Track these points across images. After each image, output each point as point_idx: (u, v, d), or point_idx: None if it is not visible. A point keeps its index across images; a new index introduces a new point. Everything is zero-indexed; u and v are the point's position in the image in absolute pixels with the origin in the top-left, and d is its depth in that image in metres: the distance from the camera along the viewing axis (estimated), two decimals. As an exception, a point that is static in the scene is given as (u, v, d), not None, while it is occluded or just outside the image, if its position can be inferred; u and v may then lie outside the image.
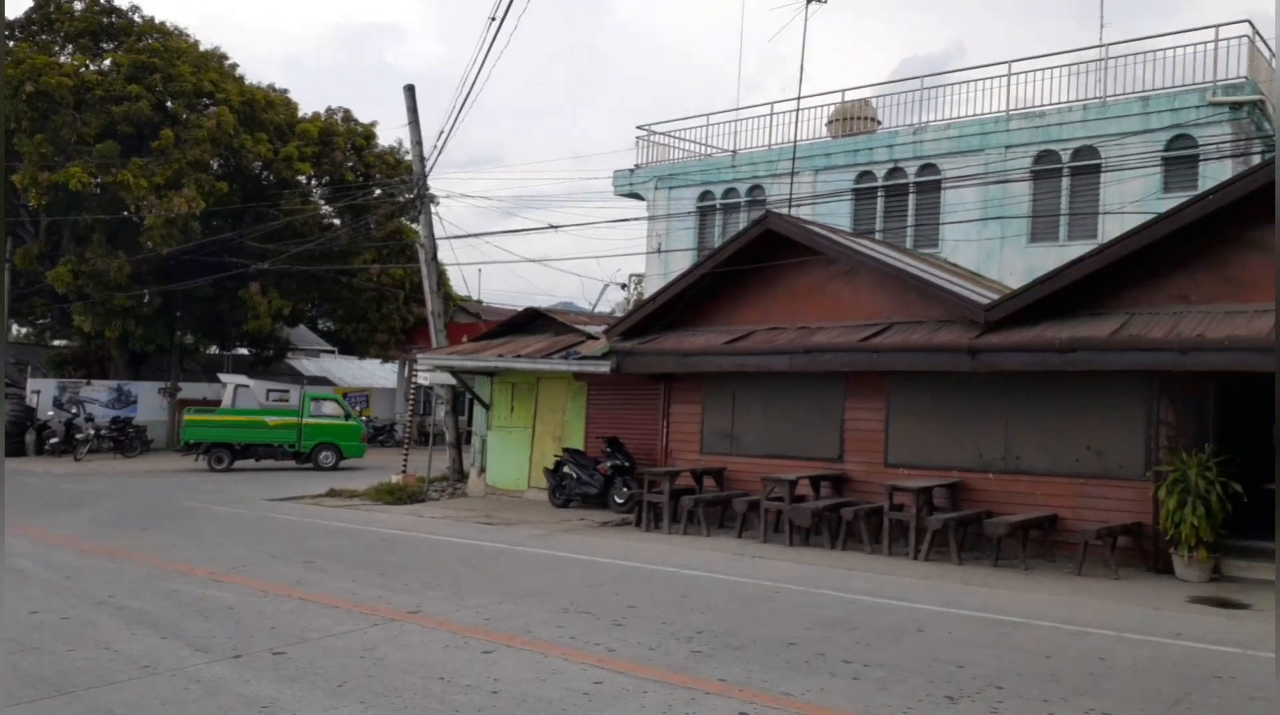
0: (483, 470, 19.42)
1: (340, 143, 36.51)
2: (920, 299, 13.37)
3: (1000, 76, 19.24)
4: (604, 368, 15.34)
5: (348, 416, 26.56)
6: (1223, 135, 16.39)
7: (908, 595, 9.19)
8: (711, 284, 15.21)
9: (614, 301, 40.52)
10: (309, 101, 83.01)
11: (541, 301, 26.24)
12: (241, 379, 27.07)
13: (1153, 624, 8.17)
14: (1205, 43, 16.99)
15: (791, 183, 19.50)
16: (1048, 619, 8.22)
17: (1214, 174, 16.34)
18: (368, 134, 37.79)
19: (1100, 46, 18.11)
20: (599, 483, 16.06)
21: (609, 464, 15.95)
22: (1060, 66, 18.60)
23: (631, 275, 25.59)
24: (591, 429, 17.51)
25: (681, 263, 22.38)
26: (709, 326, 15.34)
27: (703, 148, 23.79)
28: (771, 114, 22.40)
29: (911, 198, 19.94)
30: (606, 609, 8.30)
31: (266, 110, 34.78)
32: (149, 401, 34.22)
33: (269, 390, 29.99)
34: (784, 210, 17.07)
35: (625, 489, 15.75)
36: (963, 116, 19.60)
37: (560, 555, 11.54)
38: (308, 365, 44.09)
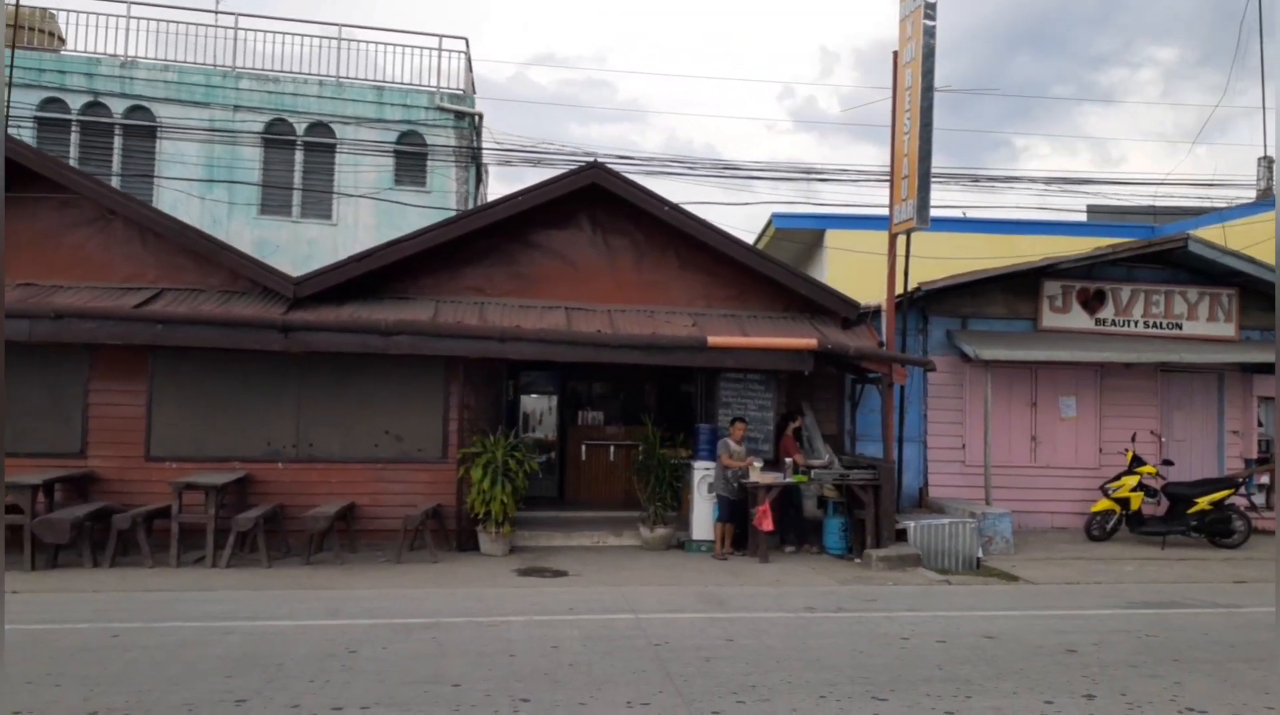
0: None
1: None
2: (194, 264, 11.47)
3: (226, 28, 17.67)
4: None
5: None
6: (446, 138, 17.83)
7: (263, 612, 7.69)
8: None
9: None
10: None
11: None
12: None
13: (502, 603, 8.34)
14: (429, 48, 18.25)
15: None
16: (445, 614, 7.75)
17: (442, 173, 17.75)
18: None
19: (337, 25, 17.97)
20: None
21: None
22: (293, 34, 17.93)
23: None
24: None
25: None
26: None
27: None
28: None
29: (119, 140, 16.92)
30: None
31: None
32: None
33: None
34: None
35: None
36: (180, 60, 17.39)
37: None
38: None
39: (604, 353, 11.02)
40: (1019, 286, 13.39)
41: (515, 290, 12.07)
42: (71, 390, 11.12)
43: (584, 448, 14.90)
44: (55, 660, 6.11)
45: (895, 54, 12.08)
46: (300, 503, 11.18)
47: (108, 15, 17.30)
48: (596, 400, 15.67)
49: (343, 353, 10.87)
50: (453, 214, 17.74)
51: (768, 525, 10.85)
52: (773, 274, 11.99)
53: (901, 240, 12.08)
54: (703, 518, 11.55)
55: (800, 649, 6.68)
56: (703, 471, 11.59)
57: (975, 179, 18.28)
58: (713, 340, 10.91)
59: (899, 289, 12.23)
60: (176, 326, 10.29)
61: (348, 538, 11.06)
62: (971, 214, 18.06)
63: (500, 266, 12.08)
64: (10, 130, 15.92)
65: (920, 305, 13.16)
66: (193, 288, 11.39)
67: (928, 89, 11.39)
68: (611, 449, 14.75)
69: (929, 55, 11.43)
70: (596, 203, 12.07)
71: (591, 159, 11.70)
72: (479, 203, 18.33)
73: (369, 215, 17.39)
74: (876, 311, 12.53)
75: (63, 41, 17.93)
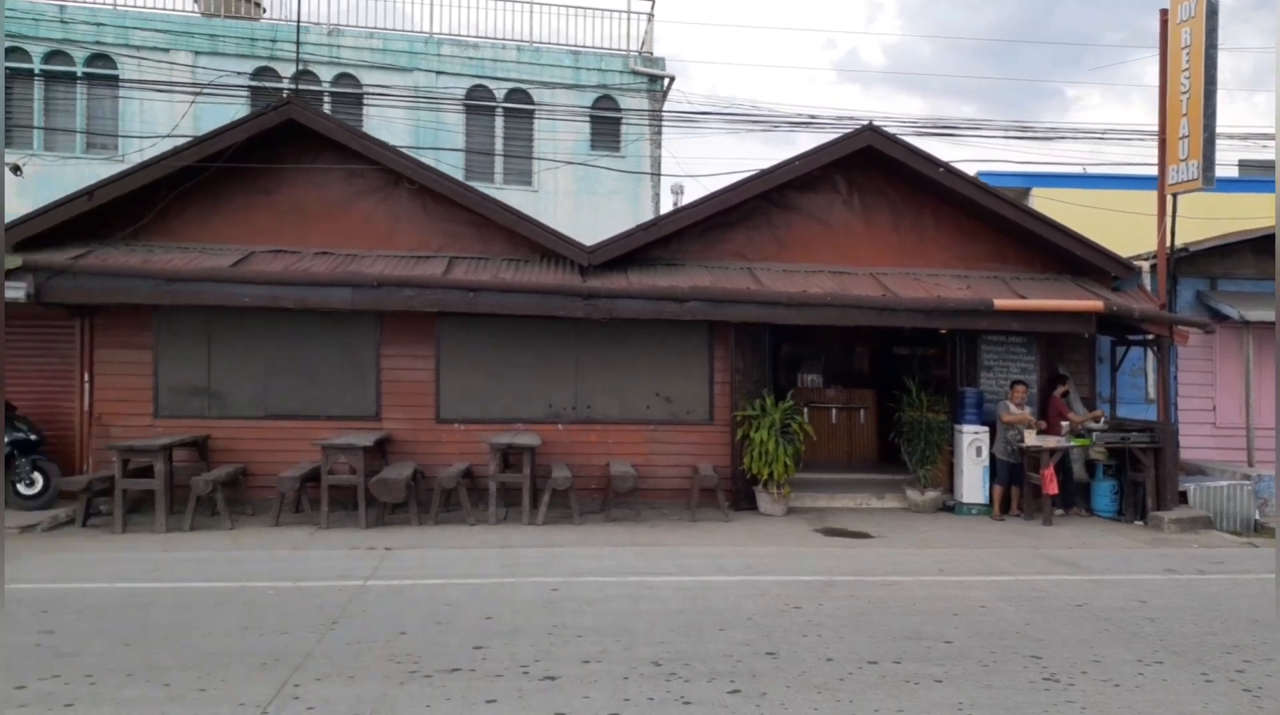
0: None
1: None
2: (474, 231, 11.79)
3: (421, -6, 17.85)
4: (12, 293, 9.95)
5: None
6: (640, 102, 17.91)
7: (641, 567, 7.99)
8: (162, 185, 11.06)
9: None
10: None
11: None
12: None
13: (857, 563, 8.58)
14: (618, 11, 18.28)
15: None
16: (822, 572, 7.99)
17: (635, 137, 17.86)
18: None
19: (528, -11, 18.04)
20: (-16, 468, 10.44)
21: (5, 439, 10.48)
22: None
23: None
24: (-75, 385, 11.25)
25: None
26: (164, 240, 11.20)
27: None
28: (115, -37, 17.06)
29: (328, 107, 17.26)
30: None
31: None
32: None
33: None
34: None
35: (38, 474, 10.56)
36: (383, 28, 17.66)
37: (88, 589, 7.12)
38: None
39: (885, 317, 11.16)
40: (1271, 247, 13.21)
41: (775, 254, 12.23)
42: (365, 357, 11.55)
43: (805, 411, 15.07)
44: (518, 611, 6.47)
45: (1163, 12, 11.88)
46: (579, 462, 11.54)
47: (308, -16, 17.58)
48: (809, 362, 15.82)
49: (638, 318, 11.11)
50: (644, 174, 17.97)
51: (1053, 488, 10.97)
52: (1046, 234, 11.95)
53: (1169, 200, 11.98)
54: (973, 481, 11.69)
55: (1244, 609, 6.83)
56: (972, 435, 11.71)
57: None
58: (999, 303, 10.97)
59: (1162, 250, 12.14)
60: (487, 293, 10.61)
61: (624, 496, 11.39)
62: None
63: (761, 231, 12.23)
64: (222, 101, 16.34)
65: (1170, 266, 13.06)
66: (477, 256, 11.72)
67: (1211, 47, 11.22)
68: (834, 411, 14.92)
69: (1212, 14, 11.23)
70: (853, 164, 12.13)
71: (868, 122, 11.72)
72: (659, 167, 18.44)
73: (568, 181, 17.59)
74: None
75: (260, 8, 18.28)
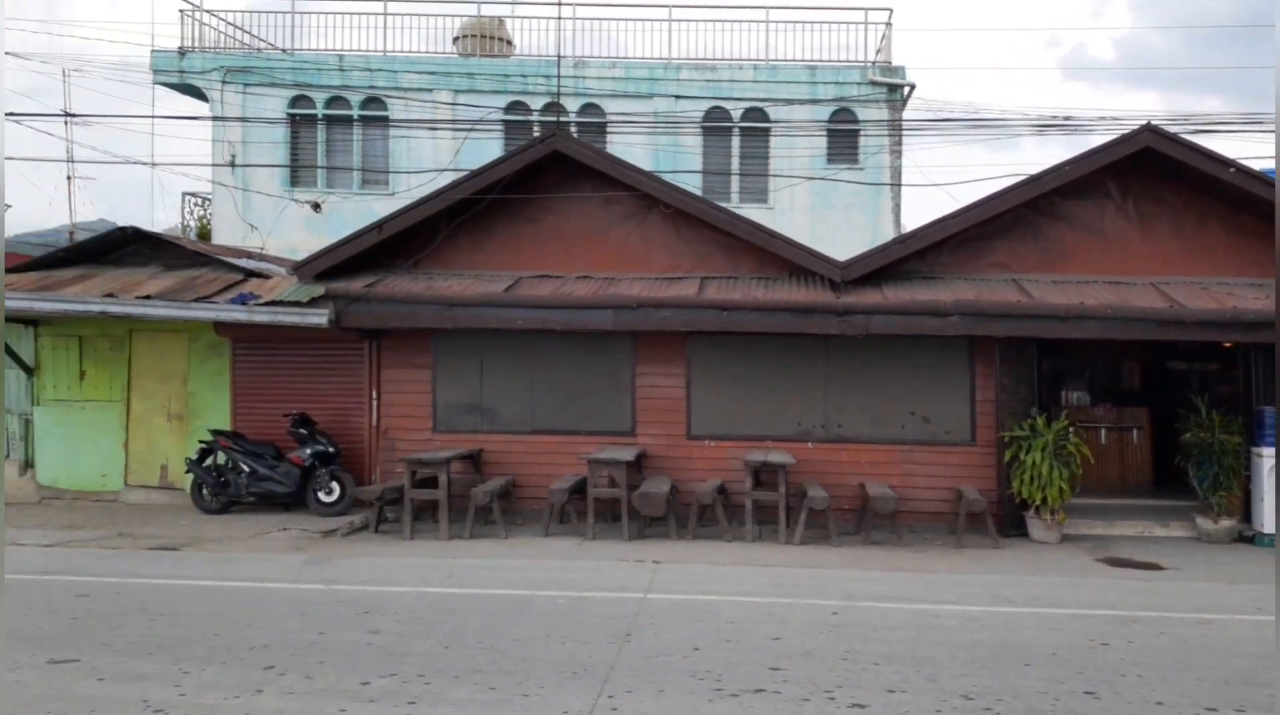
0: (29, 465, 12.99)
1: None
2: (723, 252, 11.91)
3: (660, 20, 18.32)
4: (315, 319, 11.01)
5: None
6: (879, 113, 17.56)
7: (932, 595, 7.73)
8: (442, 217, 11.87)
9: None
10: None
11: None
12: None
13: (1169, 599, 7.91)
14: (854, 23, 18.02)
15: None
16: (1131, 607, 7.46)
17: (874, 148, 17.50)
18: None
19: (762, 7, 18.14)
20: (293, 477, 11.60)
21: (308, 451, 11.60)
22: (723, 21, 18.31)
23: (186, 194, 19.42)
24: (242, 404, 12.67)
25: (266, 183, 17.66)
26: (440, 268, 12.00)
27: (256, 40, 18.91)
28: (386, 14, 18.61)
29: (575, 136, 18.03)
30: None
31: None
32: None
33: None
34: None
35: (336, 484, 11.61)
36: (628, 57, 18.27)
37: (390, 591, 7.70)
38: None
39: (1171, 330, 10.34)
40: None
41: (1042, 265, 11.58)
42: (621, 375, 11.91)
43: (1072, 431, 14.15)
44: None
45: None
46: (830, 481, 11.34)
47: (547, 19, 18.48)
48: (1073, 379, 14.86)
49: (893, 335, 10.86)
50: (884, 185, 17.57)
51: (1381, 520, 9.70)
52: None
53: None
54: (1275, 510, 10.55)
55: None
56: (1272, 459, 10.57)
57: None
58: (1312, 314, 9.87)
59: None
60: (741, 312, 10.71)
61: (883, 519, 11.08)
62: None
63: (1025, 241, 11.63)
64: (479, 136, 17.42)
65: None
66: (727, 275, 11.84)
67: None
68: (1103, 431, 13.91)
69: None
70: (1125, 168, 11.31)
71: (1146, 123, 10.92)
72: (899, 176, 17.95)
73: (804, 196, 17.49)
74: None
75: (511, 45, 19.38)
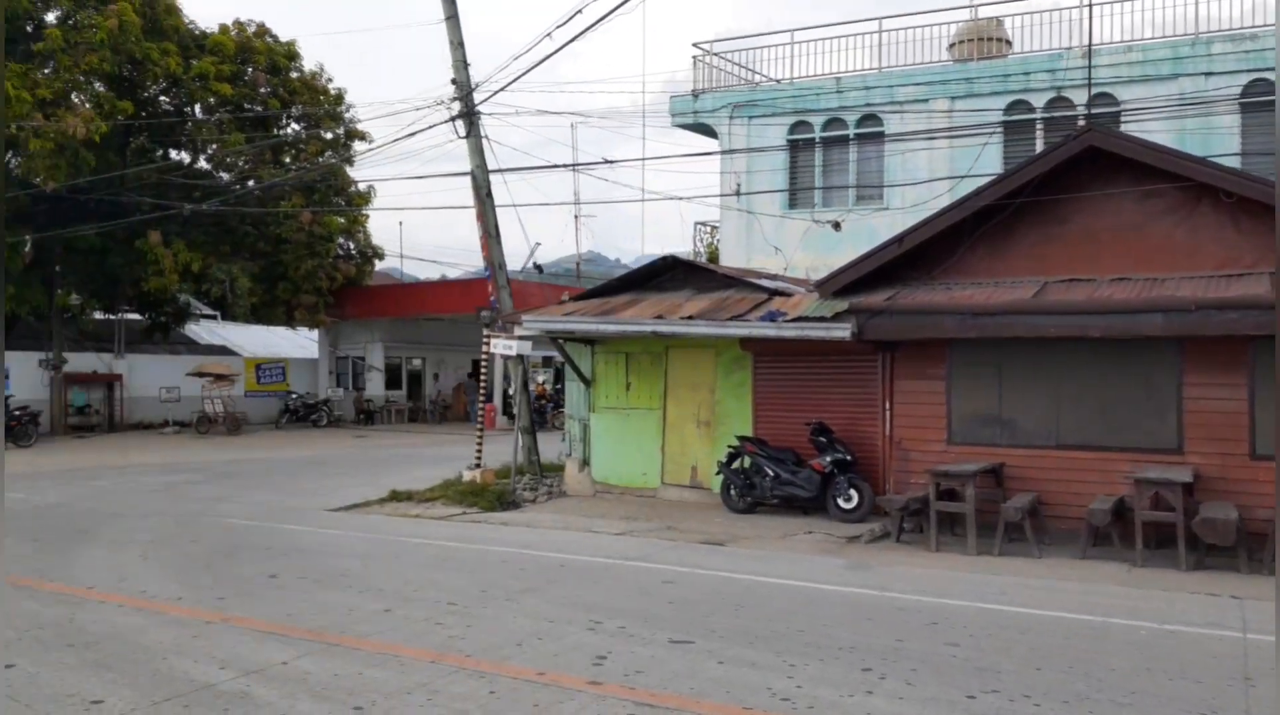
0: (585, 462, 15.16)
1: (259, 60, 30.37)
2: (1295, 244, 10.26)
3: (1184, -7, 16.41)
4: (839, 332, 11.47)
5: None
6: None
7: None
8: (964, 226, 11.66)
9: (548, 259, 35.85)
10: (210, 11, 72.66)
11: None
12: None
13: None
14: None
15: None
16: None
17: None
18: (290, 53, 31.73)
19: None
20: (814, 483, 12.23)
21: (828, 458, 12.14)
22: (1266, -19, 15.92)
23: (698, 223, 21.61)
24: (762, 412, 13.62)
25: (770, 207, 18.67)
26: (958, 278, 11.79)
27: (755, 74, 20.01)
28: (880, 31, 18.85)
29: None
30: None
31: (168, 16, 28.33)
32: (26, 377, 27.55)
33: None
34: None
35: (853, 491, 12.01)
36: (1140, 39, 16.68)
37: (952, 605, 7.68)
38: (200, 332, 37.54)
39: None
40: None
41: None
42: (1164, 386, 10.84)
43: None
44: None
45: None
46: None
47: (1054, 10, 17.43)
48: None
49: None
50: None
51: None
52: None
53: None
54: None
55: None
56: None
57: None
58: None
59: None
60: (1334, 316, 9.19)
61: None
62: None
63: None
64: (973, 143, 16.89)
65: None
66: (1301, 271, 10.25)
67: None
68: None
69: None
70: None
71: None
72: None
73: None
74: None
75: (1009, 45, 18.62)
